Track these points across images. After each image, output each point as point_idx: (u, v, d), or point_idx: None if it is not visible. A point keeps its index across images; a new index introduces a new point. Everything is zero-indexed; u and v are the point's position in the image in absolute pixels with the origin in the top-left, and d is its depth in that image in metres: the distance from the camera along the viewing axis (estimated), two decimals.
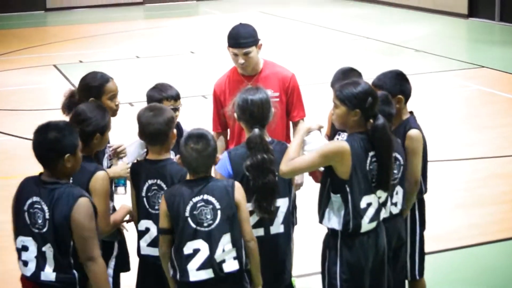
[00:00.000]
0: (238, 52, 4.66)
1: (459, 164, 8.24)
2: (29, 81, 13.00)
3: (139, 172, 3.94)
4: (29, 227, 3.51)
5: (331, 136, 4.71)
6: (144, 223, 3.90)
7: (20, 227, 3.55)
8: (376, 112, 3.84)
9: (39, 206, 3.47)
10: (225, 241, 3.63)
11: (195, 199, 3.61)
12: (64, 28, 19.76)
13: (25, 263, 3.55)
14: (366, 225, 3.85)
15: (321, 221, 3.94)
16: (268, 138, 3.97)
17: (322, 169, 3.96)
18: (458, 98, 11.23)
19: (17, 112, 10.97)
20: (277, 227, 4.00)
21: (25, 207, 3.52)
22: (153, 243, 3.88)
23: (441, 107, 10.65)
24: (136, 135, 4.05)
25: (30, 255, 3.52)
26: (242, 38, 4.65)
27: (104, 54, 15.51)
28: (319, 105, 10.20)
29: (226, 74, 4.92)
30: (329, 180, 3.83)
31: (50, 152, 3.46)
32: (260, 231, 3.96)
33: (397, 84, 4.32)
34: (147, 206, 3.88)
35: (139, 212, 3.88)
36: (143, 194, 3.89)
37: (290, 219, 4.07)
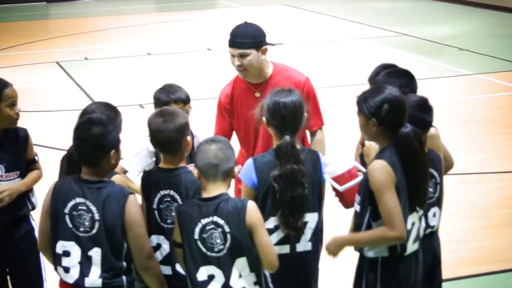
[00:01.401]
0: (234, 52, 4.65)
1: (501, 176, 8.19)
2: (30, 79, 13.08)
3: (150, 182, 3.94)
4: (72, 231, 3.60)
5: (363, 143, 4.70)
6: (155, 239, 3.88)
7: (60, 232, 3.63)
8: (401, 121, 3.77)
9: (85, 208, 3.58)
10: (241, 266, 3.59)
11: (204, 221, 3.59)
12: (68, 22, 19.90)
13: (67, 269, 3.64)
14: (411, 246, 3.84)
15: (359, 250, 3.91)
16: (298, 146, 3.95)
17: (339, 187, 4.00)
18: (506, 102, 11.15)
19: (22, 114, 11.02)
20: (304, 245, 3.98)
21: (66, 210, 3.61)
22: (166, 261, 3.85)
23: (482, 113, 10.58)
24: (144, 140, 4.07)
25: (73, 260, 3.61)
26: (239, 38, 4.63)
27: (112, 51, 15.60)
28: (346, 109, 10.20)
29: (232, 81, 4.90)
30: (370, 208, 3.78)
31: (95, 149, 3.59)
32: (286, 248, 3.93)
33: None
34: (159, 220, 3.88)
35: (150, 226, 3.86)
36: (155, 206, 3.88)
37: (318, 236, 4.04)
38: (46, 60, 14.67)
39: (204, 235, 3.58)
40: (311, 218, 3.97)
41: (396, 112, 3.76)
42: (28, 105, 11.43)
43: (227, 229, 3.57)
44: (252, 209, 3.61)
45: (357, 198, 3.89)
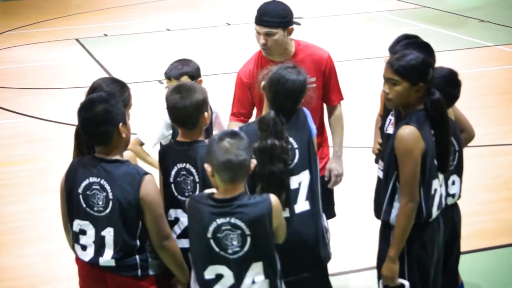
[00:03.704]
0: (260, 30, 4.58)
1: None
2: (49, 57, 13.12)
3: (167, 156, 3.92)
4: (86, 210, 3.60)
5: (384, 115, 4.67)
6: (173, 213, 3.87)
7: (75, 211, 3.64)
8: (432, 85, 3.79)
9: (98, 187, 3.56)
10: (256, 271, 3.48)
11: (219, 221, 3.43)
12: None
13: (84, 247, 3.65)
14: (435, 212, 3.84)
15: (383, 217, 3.89)
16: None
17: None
18: None
19: (38, 91, 11.09)
20: (302, 205, 3.92)
21: (80, 190, 3.60)
22: (184, 234, 3.83)
23: (503, 84, 10.48)
24: (161, 112, 4.03)
25: (89, 239, 3.62)
26: (267, 16, 4.57)
27: (131, 27, 15.59)
28: (366, 82, 10.13)
29: (253, 58, 4.81)
30: (396, 172, 3.77)
31: (103, 126, 3.54)
32: (285, 213, 3.84)
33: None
34: (176, 193, 3.86)
35: (167, 200, 3.84)
36: (171, 179, 3.86)
37: (315, 194, 3.96)
38: (66, 37, 14.69)
39: (218, 235, 3.44)
40: (303, 177, 3.90)
41: (433, 76, 3.76)
42: (48, 82, 11.49)
43: (247, 231, 3.42)
44: (278, 208, 3.52)
45: (381, 164, 3.87)
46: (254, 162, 3.50)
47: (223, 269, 3.48)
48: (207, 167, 3.46)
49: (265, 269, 3.49)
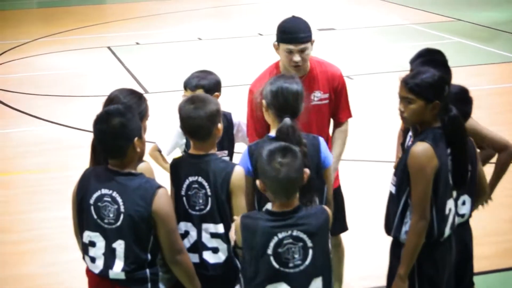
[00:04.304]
0: (294, 48, 4.47)
1: None
2: (81, 64, 13.22)
3: (179, 168, 3.89)
4: (97, 222, 3.57)
5: (405, 131, 4.61)
6: (183, 226, 3.84)
7: (86, 222, 3.61)
8: (448, 102, 3.76)
9: (109, 199, 3.53)
10: (316, 287, 3.40)
11: (281, 235, 3.33)
12: (123, 6, 20.03)
13: (93, 259, 3.62)
14: (448, 231, 3.81)
15: (393, 233, 3.85)
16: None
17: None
18: None
19: (69, 99, 11.17)
20: None
21: (91, 201, 3.57)
22: (193, 249, 3.81)
23: None
24: (175, 122, 3.99)
25: (98, 251, 3.59)
26: (301, 32, 4.47)
27: (163, 36, 15.65)
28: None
29: (266, 72, 4.69)
30: (408, 189, 3.73)
31: (118, 140, 3.52)
32: None
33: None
34: (187, 206, 3.83)
35: (178, 213, 3.80)
36: (183, 192, 3.84)
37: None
38: (98, 45, 14.79)
39: (279, 250, 3.33)
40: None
41: (448, 94, 3.73)
42: (79, 90, 11.56)
43: (309, 243, 3.35)
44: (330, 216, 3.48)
45: (393, 179, 3.84)
46: (307, 172, 3.44)
47: (281, 286, 3.37)
48: (259, 184, 3.40)
49: (324, 284, 3.41)
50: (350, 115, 4.87)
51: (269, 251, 3.35)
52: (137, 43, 14.93)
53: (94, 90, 11.37)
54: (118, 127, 3.51)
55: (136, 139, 3.55)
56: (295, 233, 3.35)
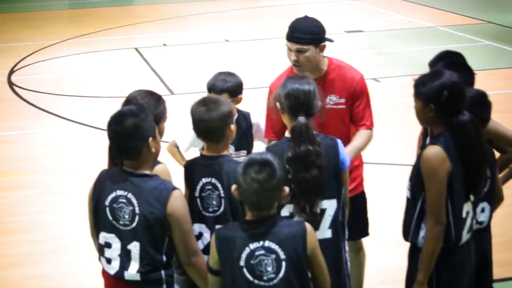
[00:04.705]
0: (291, 46, 4.46)
1: None
2: (108, 65, 13.27)
3: (192, 170, 3.87)
4: (112, 223, 3.56)
5: (424, 135, 4.54)
6: (197, 227, 3.81)
7: (101, 223, 3.60)
8: (460, 108, 3.70)
9: (125, 201, 3.52)
10: None
11: (252, 246, 3.29)
12: (150, 8, 20.11)
13: (108, 261, 3.62)
14: (465, 235, 3.77)
15: (411, 238, 3.81)
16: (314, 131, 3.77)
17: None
18: None
19: (94, 100, 11.21)
20: (324, 232, 3.79)
21: (107, 202, 3.56)
22: (207, 250, 3.71)
23: None
24: None
25: (114, 253, 3.58)
26: (298, 32, 4.45)
27: (190, 37, 15.66)
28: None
29: (285, 72, 4.68)
30: (423, 193, 3.70)
31: (132, 141, 3.50)
32: None
33: None
34: (201, 208, 3.81)
35: (192, 214, 3.75)
36: (197, 194, 3.81)
37: (339, 224, 3.85)
38: (125, 46, 14.85)
39: (252, 262, 3.28)
40: (329, 205, 3.79)
41: (454, 99, 3.71)
42: (104, 91, 11.59)
43: (282, 255, 3.28)
44: (312, 232, 3.38)
45: (408, 184, 3.81)
46: (286, 190, 3.37)
47: None
48: (233, 189, 3.38)
49: None
50: (370, 126, 4.61)
51: (242, 263, 3.30)
52: (164, 45, 14.95)
53: (121, 91, 11.36)
54: (132, 128, 3.49)
55: (150, 139, 3.53)
56: (266, 243, 3.29)
